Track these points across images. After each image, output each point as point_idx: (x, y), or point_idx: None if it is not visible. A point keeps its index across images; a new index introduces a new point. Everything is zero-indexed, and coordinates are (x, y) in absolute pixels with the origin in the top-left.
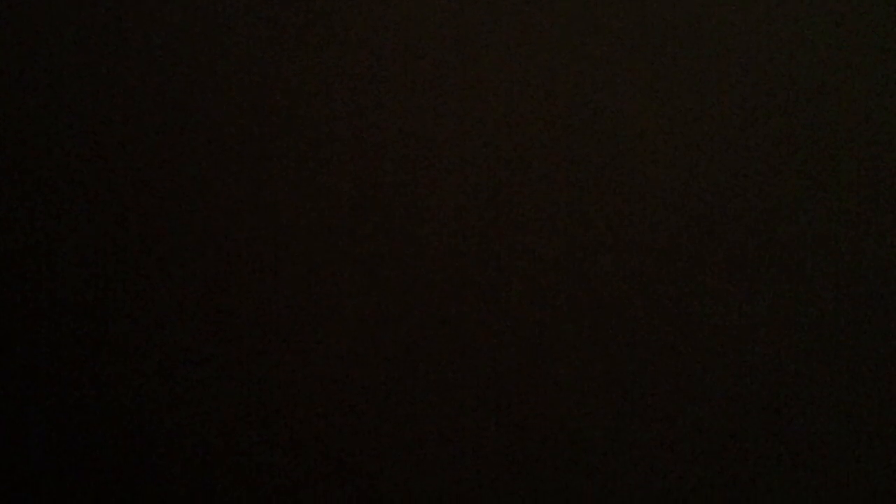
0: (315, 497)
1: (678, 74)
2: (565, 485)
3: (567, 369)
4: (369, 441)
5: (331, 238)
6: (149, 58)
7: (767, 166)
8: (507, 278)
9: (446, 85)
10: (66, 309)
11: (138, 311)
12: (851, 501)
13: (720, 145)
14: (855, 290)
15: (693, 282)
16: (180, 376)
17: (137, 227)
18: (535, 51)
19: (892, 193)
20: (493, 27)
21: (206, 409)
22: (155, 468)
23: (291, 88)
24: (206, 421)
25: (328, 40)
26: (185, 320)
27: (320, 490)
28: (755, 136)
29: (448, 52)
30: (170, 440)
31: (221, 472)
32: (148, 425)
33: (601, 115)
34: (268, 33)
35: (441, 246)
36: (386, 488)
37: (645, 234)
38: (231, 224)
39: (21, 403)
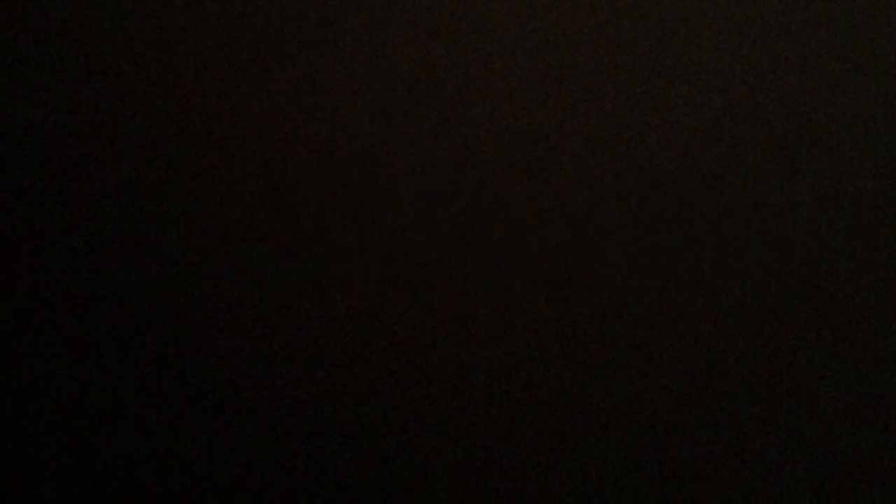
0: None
1: None
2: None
3: (615, 248)
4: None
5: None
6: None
7: (808, 49)
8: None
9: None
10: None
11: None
12: None
13: (760, 31)
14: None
15: (735, 162)
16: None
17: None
18: None
19: None
20: None
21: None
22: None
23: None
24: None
25: None
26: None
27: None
28: (796, 21)
29: None
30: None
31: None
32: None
33: (647, 12)
34: None
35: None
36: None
37: (689, 115)
38: (284, 134)
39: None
